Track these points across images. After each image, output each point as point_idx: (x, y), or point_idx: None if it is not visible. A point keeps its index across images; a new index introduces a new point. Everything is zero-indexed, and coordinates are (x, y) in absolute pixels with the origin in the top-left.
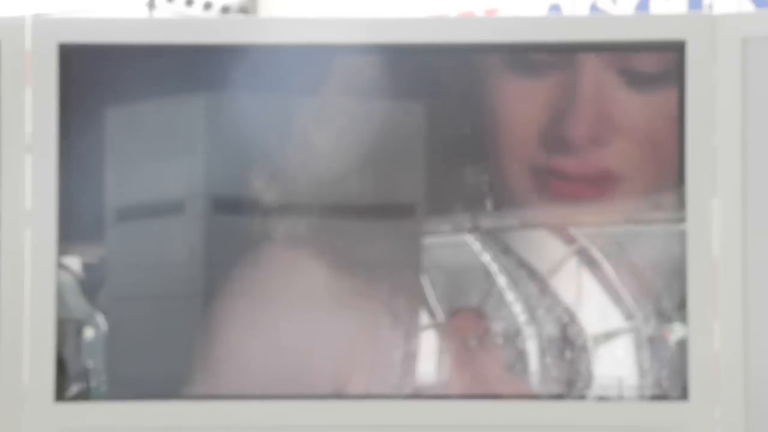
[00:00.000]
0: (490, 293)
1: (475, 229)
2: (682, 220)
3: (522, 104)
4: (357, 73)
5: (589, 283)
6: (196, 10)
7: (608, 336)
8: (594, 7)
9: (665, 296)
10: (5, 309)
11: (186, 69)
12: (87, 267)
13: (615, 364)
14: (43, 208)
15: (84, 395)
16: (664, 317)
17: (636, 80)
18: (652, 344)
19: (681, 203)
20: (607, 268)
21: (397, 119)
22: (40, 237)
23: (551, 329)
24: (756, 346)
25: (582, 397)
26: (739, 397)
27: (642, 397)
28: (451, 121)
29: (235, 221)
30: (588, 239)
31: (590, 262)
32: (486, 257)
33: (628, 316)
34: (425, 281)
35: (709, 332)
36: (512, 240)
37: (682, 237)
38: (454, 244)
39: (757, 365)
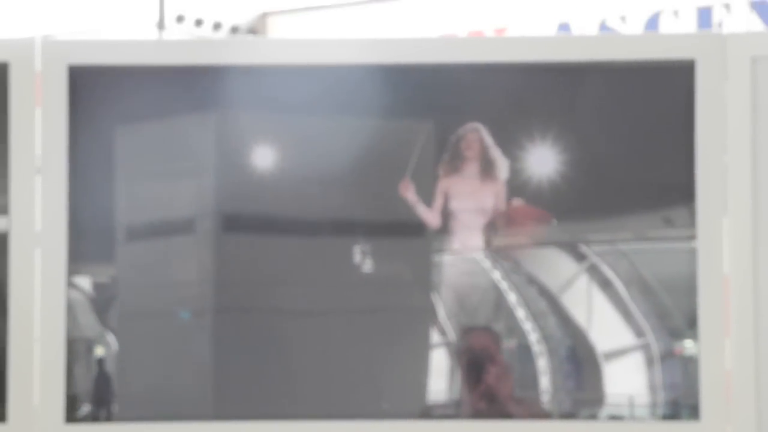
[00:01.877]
0: (501, 311)
1: (486, 247)
2: (692, 237)
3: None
4: (366, 92)
5: (599, 300)
6: (206, 31)
7: (619, 353)
8: (603, 26)
9: (676, 314)
10: (15, 330)
11: (195, 89)
12: (98, 286)
13: (626, 381)
14: (53, 228)
15: (95, 416)
16: (675, 335)
17: (646, 98)
18: (663, 362)
19: (692, 221)
20: (618, 285)
21: (406, 138)
22: (50, 257)
23: (562, 347)
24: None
25: (593, 416)
26: (750, 416)
27: (654, 416)
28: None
29: (245, 239)
30: (599, 257)
31: (601, 280)
32: (496, 275)
33: (639, 333)
34: (436, 299)
35: (720, 350)
36: (522, 257)
37: (692, 255)
38: (466, 261)
39: None
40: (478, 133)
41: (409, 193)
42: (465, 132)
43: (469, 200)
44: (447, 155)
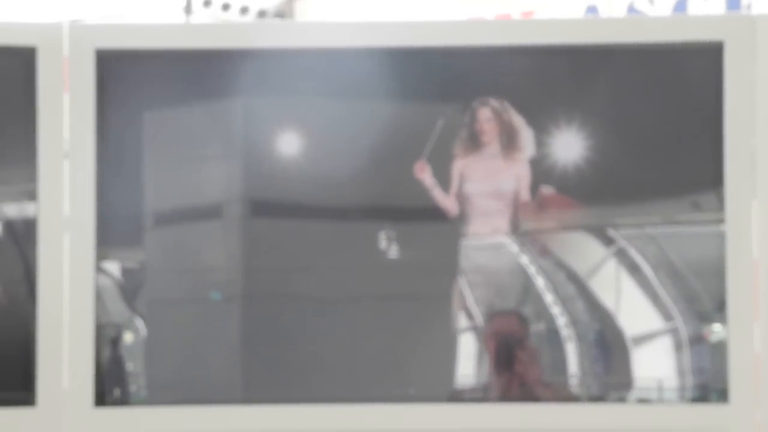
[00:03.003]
0: (529, 295)
1: (513, 231)
2: (721, 221)
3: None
4: (393, 76)
5: (628, 284)
6: (233, 14)
7: (648, 338)
8: (631, 9)
9: (705, 297)
10: (44, 315)
11: (223, 73)
12: (126, 271)
13: (655, 365)
14: (82, 213)
15: (124, 400)
16: (703, 318)
17: (674, 81)
18: (692, 346)
19: (720, 205)
20: (646, 269)
21: (433, 121)
22: (79, 242)
23: (590, 331)
24: None
25: (622, 400)
26: None
27: (682, 400)
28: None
29: (273, 224)
30: (627, 241)
31: (629, 264)
32: (524, 259)
33: (668, 317)
34: (463, 283)
35: (749, 334)
36: (550, 241)
37: (721, 238)
38: (492, 246)
39: None
40: (491, 107)
41: (425, 175)
42: (477, 106)
43: (486, 182)
44: (463, 133)
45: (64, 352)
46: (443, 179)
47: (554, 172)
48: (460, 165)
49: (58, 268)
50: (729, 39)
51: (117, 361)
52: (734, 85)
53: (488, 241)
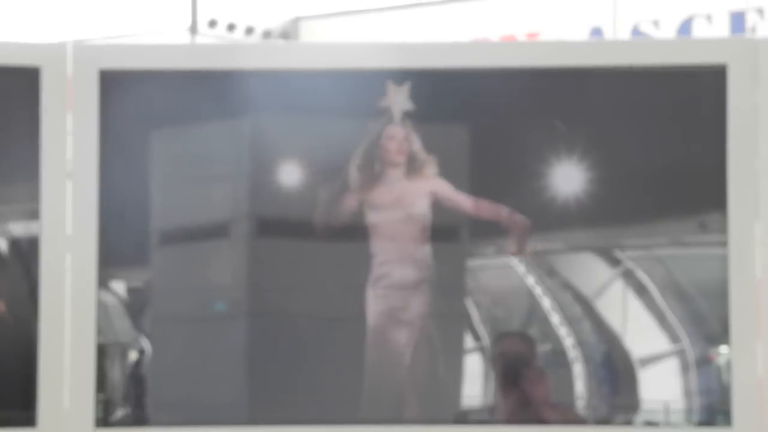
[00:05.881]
0: (535, 316)
1: (519, 252)
2: (726, 243)
3: None
4: (399, 96)
5: (634, 305)
6: (238, 35)
7: (654, 359)
8: (636, 31)
9: (711, 319)
10: (46, 334)
11: (227, 94)
12: (132, 290)
13: (661, 387)
14: (84, 232)
15: (125, 421)
16: (710, 340)
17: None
18: (699, 367)
19: (724, 226)
20: (653, 290)
21: (439, 141)
22: (81, 261)
23: (597, 352)
24: None
25: (628, 422)
26: None
27: (689, 423)
28: (496, 143)
29: (279, 243)
30: (633, 262)
31: (636, 285)
32: (530, 280)
33: (675, 339)
34: (469, 304)
35: (753, 355)
36: (556, 262)
37: (727, 260)
38: (498, 266)
39: None
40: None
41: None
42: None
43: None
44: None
45: (65, 372)
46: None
47: (561, 195)
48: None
49: (60, 287)
50: (732, 62)
51: (121, 381)
52: (737, 107)
53: (494, 261)
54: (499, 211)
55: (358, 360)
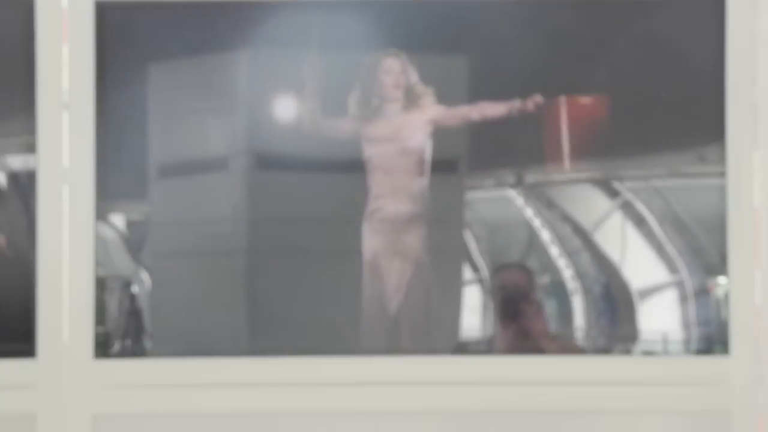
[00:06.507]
0: (534, 248)
1: (518, 184)
2: (723, 173)
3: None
4: (398, 27)
5: (633, 237)
6: None
7: (653, 290)
8: None
9: (710, 250)
10: (44, 266)
11: (226, 26)
12: (131, 224)
13: (660, 318)
14: (81, 165)
15: (125, 353)
16: (709, 271)
17: (677, 32)
18: (697, 298)
19: (722, 157)
20: (652, 222)
21: (439, 73)
22: (78, 194)
23: (596, 284)
24: None
25: (627, 352)
26: None
27: (687, 352)
28: (495, 75)
29: (278, 177)
30: (632, 193)
31: (635, 216)
32: (529, 212)
33: (673, 270)
34: (468, 236)
35: (751, 285)
36: (555, 194)
37: (723, 190)
38: (497, 199)
39: None
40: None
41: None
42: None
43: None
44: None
45: (64, 303)
46: None
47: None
48: None
49: (57, 220)
50: None
51: (121, 314)
52: (736, 35)
53: (493, 194)
54: (508, 105)
55: (355, 292)
